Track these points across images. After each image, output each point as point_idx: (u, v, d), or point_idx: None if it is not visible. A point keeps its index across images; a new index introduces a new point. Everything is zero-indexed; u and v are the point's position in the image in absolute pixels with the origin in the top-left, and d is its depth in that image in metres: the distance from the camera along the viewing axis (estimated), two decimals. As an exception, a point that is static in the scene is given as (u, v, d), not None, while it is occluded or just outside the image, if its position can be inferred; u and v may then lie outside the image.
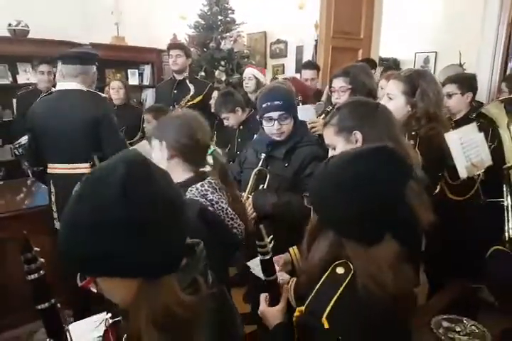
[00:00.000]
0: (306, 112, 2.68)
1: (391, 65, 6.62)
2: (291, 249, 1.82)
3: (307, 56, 5.23)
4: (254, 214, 2.08)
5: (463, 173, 2.10)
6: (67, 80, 2.54)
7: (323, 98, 2.99)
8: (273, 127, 2.04)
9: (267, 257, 1.23)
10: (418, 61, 6.85)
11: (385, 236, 1.04)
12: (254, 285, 1.86)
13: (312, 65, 4.08)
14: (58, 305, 0.95)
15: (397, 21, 6.10)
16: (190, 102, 3.74)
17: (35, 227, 2.68)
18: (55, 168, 2.57)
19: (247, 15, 5.23)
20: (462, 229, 2.34)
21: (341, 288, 1.02)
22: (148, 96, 5.52)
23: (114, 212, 0.74)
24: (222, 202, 1.52)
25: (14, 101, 4.43)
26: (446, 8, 5.98)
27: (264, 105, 2.05)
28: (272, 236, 1.78)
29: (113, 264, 0.76)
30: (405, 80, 1.97)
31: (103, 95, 2.53)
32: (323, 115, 2.54)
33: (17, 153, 3.61)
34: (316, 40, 4.88)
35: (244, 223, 1.59)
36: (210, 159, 1.61)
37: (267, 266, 1.25)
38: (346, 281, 1.02)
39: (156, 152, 1.57)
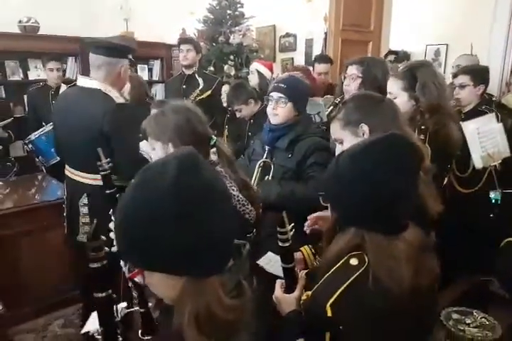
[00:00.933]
0: (314, 106, 2.67)
1: (401, 58, 6.58)
2: (303, 248, 1.82)
3: (317, 49, 5.19)
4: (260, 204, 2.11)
5: (478, 163, 2.08)
6: (91, 73, 2.26)
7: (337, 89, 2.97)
8: (270, 107, 2.12)
9: (287, 244, 1.23)
10: (429, 53, 6.78)
11: (409, 224, 1.06)
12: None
13: (326, 59, 4.04)
14: (114, 295, 0.98)
15: (408, 13, 6.03)
16: (200, 97, 3.75)
17: (49, 222, 2.74)
18: (67, 171, 2.39)
19: (255, 9, 5.21)
20: (472, 222, 2.32)
21: (351, 279, 1.02)
22: (158, 92, 5.54)
23: (166, 204, 0.74)
24: (233, 189, 1.55)
25: (25, 97, 4.48)
26: (457, 0, 5.90)
27: (271, 86, 2.16)
28: (292, 224, 1.78)
29: (162, 260, 0.77)
30: (403, 76, 1.96)
31: (119, 101, 2.18)
32: (331, 107, 2.54)
33: (28, 148, 3.66)
34: (325, 33, 4.84)
35: (255, 209, 1.62)
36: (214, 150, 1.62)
37: (286, 254, 1.26)
38: (358, 272, 1.02)
39: (161, 154, 1.57)
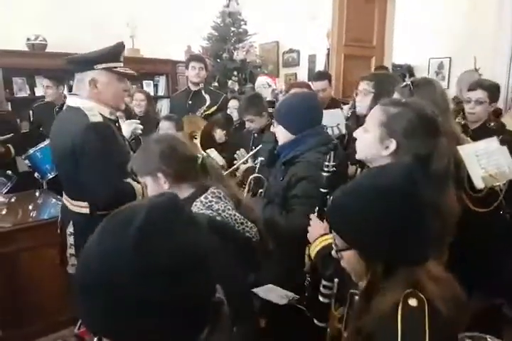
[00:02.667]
0: (332, 117, 2.59)
1: (404, 72, 6.62)
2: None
3: (320, 65, 5.25)
4: None
5: (479, 184, 2.06)
6: (74, 91, 2.12)
7: (345, 107, 2.94)
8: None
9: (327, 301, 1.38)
10: (432, 67, 6.82)
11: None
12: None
13: (322, 76, 4.01)
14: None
15: (410, 26, 6.08)
16: (206, 112, 3.78)
17: (45, 240, 2.68)
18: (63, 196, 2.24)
19: (259, 26, 5.28)
20: (484, 242, 2.28)
21: (427, 323, 0.92)
22: (163, 107, 5.59)
23: (123, 269, 0.64)
24: (228, 209, 1.53)
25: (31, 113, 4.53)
26: (460, 13, 5.94)
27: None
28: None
29: (116, 331, 0.67)
30: (401, 92, 1.87)
31: (95, 119, 1.97)
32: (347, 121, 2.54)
33: (26, 163, 3.63)
34: (328, 49, 4.88)
35: (254, 223, 1.60)
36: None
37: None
38: (427, 314, 0.93)
39: (153, 187, 1.57)
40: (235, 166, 2.51)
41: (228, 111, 3.61)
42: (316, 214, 1.59)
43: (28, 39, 4.55)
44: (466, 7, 5.75)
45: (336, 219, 1.07)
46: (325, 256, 1.32)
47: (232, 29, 5.07)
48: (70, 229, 2.15)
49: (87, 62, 2.04)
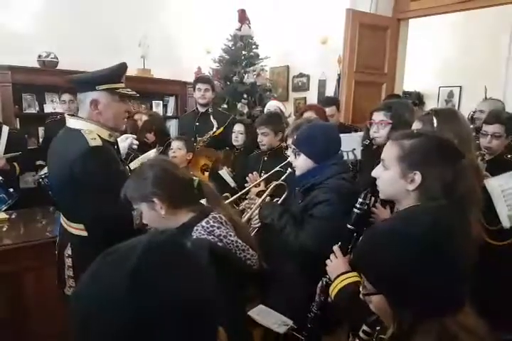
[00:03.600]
0: (348, 141, 2.55)
1: (414, 99, 6.61)
2: None
3: (330, 90, 5.24)
4: (258, 224, 2.18)
5: (505, 222, 1.98)
6: (78, 112, 2.11)
7: (360, 133, 2.89)
8: (290, 158, 2.19)
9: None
10: (442, 95, 6.82)
11: None
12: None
13: (330, 102, 4.03)
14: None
15: (421, 55, 6.11)
16: (213, 134, 3.76)
17: (50, 259, 2.63)
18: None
19: (270, 50, 5.31)
20: (500, 276, 2.19)
21: None
22: (172, 127, 5.58)
23: (119, 313, 0.61)
24: (230, 235, 1.49)
25: (40, 129, 4.52)
26: (470, 42, 5.98)
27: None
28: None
29: None
30: (422, 121, 1.84)
31: (95, 143, 1.91)
32: (362, 148, 2.50)
33: (42, 183, 3.61)
34: (338, 74, 4.88)
35: (252, 247, 1.56)
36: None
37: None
38: None
39: (150, 214, 1.52)
40: (246, 189, 2.47)
41: (233, 136, 3.53)
42: (338, 247, 1.56)
43: (40, 56, 4.57)
44: (478, 36, 5.78)
45: (365, 261, 1.01)
46: (354, 298, 1.24)
47: (244, 52, 5.09)
48: (68, 251, 2.11)
49: (88, 83, 2.01)
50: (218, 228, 1.47)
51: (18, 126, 4.54)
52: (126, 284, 0.61)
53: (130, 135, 2.56)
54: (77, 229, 2.06)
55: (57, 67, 4.67)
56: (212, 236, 1.45)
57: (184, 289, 0.65)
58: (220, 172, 3.16)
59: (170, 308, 0.62)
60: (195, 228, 1.46)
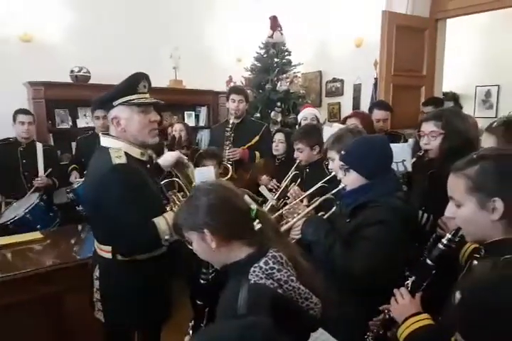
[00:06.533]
0: (397, 152, 2.34)
1: (449, 100, 6.33)
2: None
3: (365, 94, 5.07)
4: (299, 236, 2.00)
5: None
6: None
7: (410, 142, 2.70)
8: (339, 175, 2.04)
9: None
10: (479, 95, 6.51)
11: None
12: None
13: (384, 106, 3.87)
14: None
15: (457, 54, 5.85)
16: (249, 144, 3.72)
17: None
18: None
19: (302, 56, 5.18)
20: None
21: None
22: (204, 137, 5.52)
23: None
24: (292, 280, 1.28)
25: (73, 144, 4.51)
26: (508, 40, 5.71)
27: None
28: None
29: None
30: (497, 133, 1.67)
31: (119, 161, 1.87)
32: (415, 159, 2.34)
33: (69, 197, 3.61)
34: (375, 78, 4.70)
35: (316, 293, 1.33)
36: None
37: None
38: None
39: (199, 245, 1.34)
40: (288, 206, 2.30)
41: (274, 145, 3.46)
42: (408, 288, 1.41)
43: (72, 71, 4.57)
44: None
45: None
46: None
47: (276, 60, 4.98)
48: (97, 273, 2.08)
49: (106, 101, 1.98)
50: (279, 271, 1.27)
51: (52, 142, 4.55)
52: None
53: (176, 153, 2.41)
54: (104, 251, 2.02)
55: (90, 81, 4.66)
56: (271, 281, 1.25)
57: None
58: (259, 188, 3.04)
59: None
60: (253, 269, 1.27)
